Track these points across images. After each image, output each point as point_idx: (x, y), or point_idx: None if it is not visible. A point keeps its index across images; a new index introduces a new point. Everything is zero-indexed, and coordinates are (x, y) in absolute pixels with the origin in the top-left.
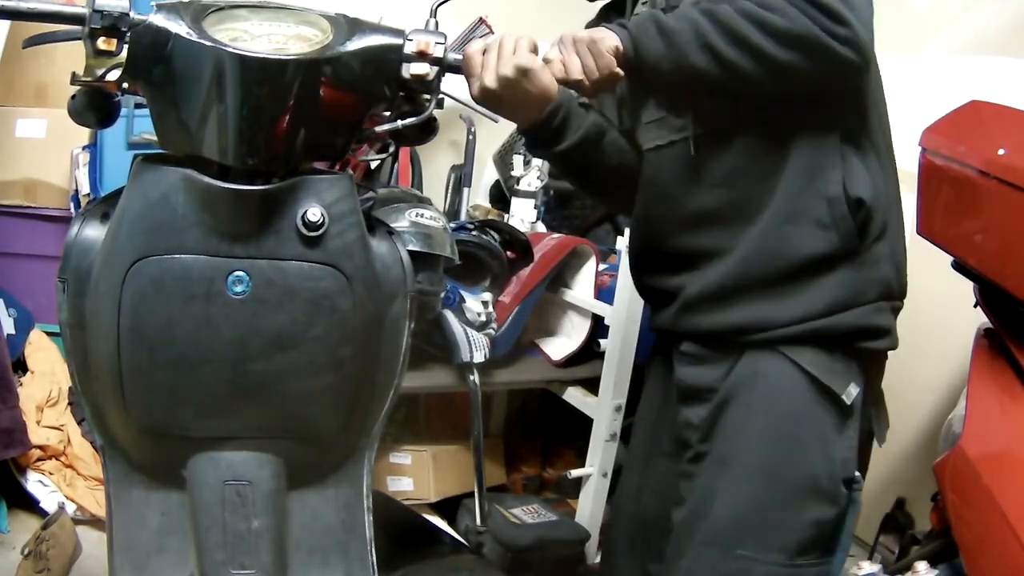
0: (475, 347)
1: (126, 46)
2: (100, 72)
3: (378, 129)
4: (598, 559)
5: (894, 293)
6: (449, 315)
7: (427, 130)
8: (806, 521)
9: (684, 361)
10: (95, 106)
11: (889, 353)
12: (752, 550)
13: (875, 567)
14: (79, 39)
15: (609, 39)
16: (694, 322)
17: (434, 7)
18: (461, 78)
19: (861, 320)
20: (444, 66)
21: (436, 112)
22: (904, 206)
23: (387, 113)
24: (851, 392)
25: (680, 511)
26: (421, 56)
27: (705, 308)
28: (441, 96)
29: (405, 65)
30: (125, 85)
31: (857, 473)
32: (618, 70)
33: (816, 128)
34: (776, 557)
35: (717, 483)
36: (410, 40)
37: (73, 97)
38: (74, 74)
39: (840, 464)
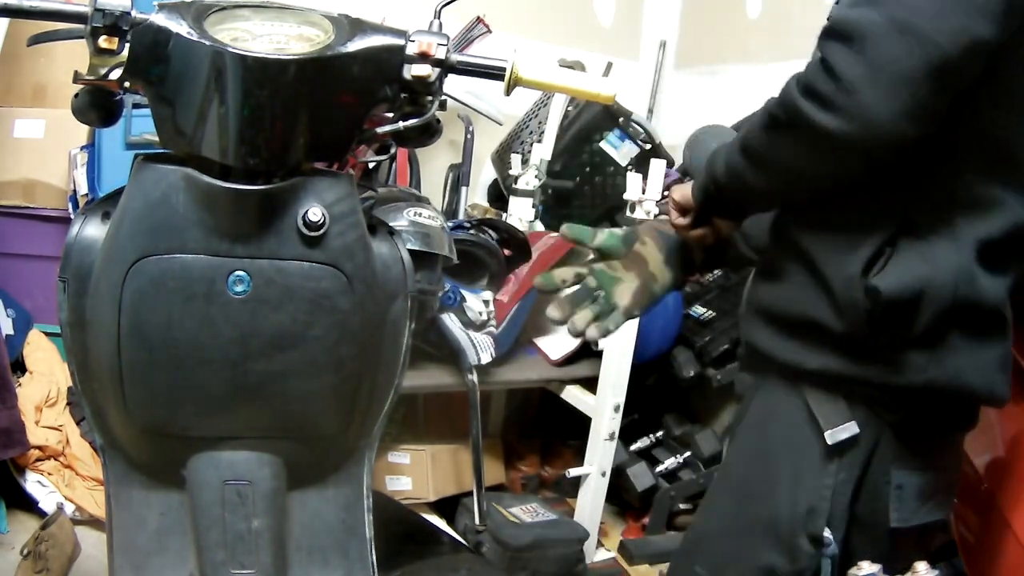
0: (480, 348)
1: (128, 45)
2: (103, 71)
3: (379, 130)
4: (596, 558)
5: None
6: (447, 319)
7: (429, 132)
8: (757, 565)
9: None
10: (98, 105)
11: None
12: (706, 571)
13: (875, 567)
14: (81, 38)
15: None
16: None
17: (438, 8)
18: (462, 79)
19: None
20: (446, 67)
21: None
22: None
23: (389, 114)
24: (837, 434)
25: None
26: (423, 57)
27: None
28: (444, 98)
29: (407, 66)
30: (127, 84)
31: (829, 535)
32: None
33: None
34: None
35: (714, 485)
36: (412, 41)
37: (76, 96)
38: (76, 73)
39: (806, 513)
